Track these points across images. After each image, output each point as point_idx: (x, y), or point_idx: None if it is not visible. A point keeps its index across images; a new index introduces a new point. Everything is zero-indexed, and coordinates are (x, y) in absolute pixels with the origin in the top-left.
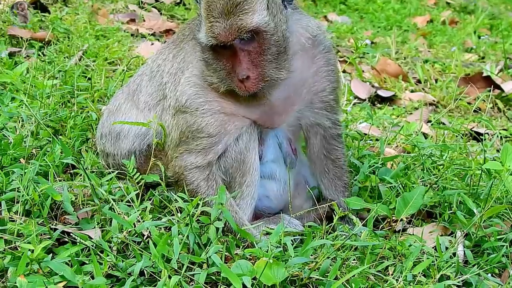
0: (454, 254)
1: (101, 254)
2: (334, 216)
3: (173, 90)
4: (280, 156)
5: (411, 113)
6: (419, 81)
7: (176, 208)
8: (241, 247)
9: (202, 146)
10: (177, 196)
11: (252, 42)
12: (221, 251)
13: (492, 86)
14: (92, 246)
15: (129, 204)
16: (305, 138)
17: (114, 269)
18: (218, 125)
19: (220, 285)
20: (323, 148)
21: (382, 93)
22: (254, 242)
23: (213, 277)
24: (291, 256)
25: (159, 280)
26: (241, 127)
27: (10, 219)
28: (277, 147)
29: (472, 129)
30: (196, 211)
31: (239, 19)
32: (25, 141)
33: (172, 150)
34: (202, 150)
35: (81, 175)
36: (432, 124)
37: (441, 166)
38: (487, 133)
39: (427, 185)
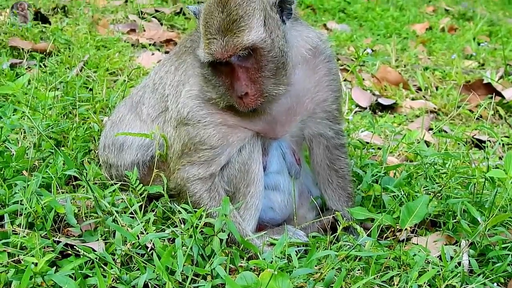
0: (459, 263)
1: (105, 267)
2: (338, 226)
3: (174, 102)
4: (284, 167)
5: (412, 121)
6: (419, 89)
7: (179, 220)
8: (245, 258)
9: (205, 158)
10: (180, 207)
11: (250, 58)
12: (225, 262)
13: (493, 93)
14: (96, 258)
15: (132, 216)
16: (308, 148)
17: (118, 281)
18: (221, 137)
19: None
20: (326, 158)
21: (383, 101)
22: (258, 253)
23: None
24: (295, 267)
25: None
26: (244, 138)
27: (13, 232)
28: (281, 157)
29: (474, 137)
30: (200, 222)
31: (236, 37)
32: (27, 153)
33: (174, 162)
34: (205, 162)
35: (84, 186)
36: (434, 132)
37: (444, 175)
38: (489, 141)
39: (430, 194)
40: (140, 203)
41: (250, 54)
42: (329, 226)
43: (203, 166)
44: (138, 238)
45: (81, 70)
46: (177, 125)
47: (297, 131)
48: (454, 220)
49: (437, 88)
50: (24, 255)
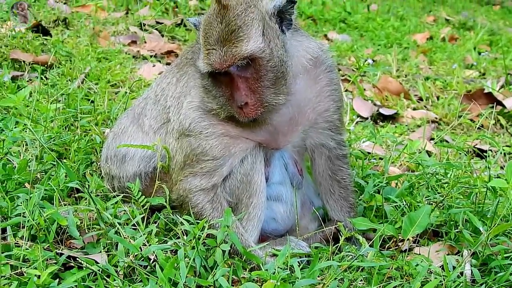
0: (462, 273)
1: (107, 279)
2: (340, 236)
3: (176, 113)
4: (287, 177)
5: (413, 131)
6: (420, 99)
7: (182, 231)
8: (247, 269)
9: (207, 169)
10: (183, 219)
11: (249, 68)
12: (228, 274)
13: (494, 102)
14: (99, 270)
15: (135, 227)
16: (310, 159)
17: None
18: (223, 148)
19: None
20: (328, 168)
21: (384, 111)
22: (261, 264)
23: None
24: (298, 278)
25: None
26: (246, 149)
27: (16, 244)
28: (283, 168)
29: (476, 146)
30: (202, 233)
31: (234, 47)
32: (29, 166)
33: (177, 174)
34: (207, 173)
35: (86, 199)
36: (435, 142)
37: (446, 184)
38: (491, 150)
39: (432, 204)
40: (142, 215)
41: (249, 64)
42: (331, 237)
43: (206, 177)
44: (141, 250)
45: (82, 82)
46: (179, 136)
47: (299, 142)
48: (456, 230)
49: (438, 98)
50: (27, 267)
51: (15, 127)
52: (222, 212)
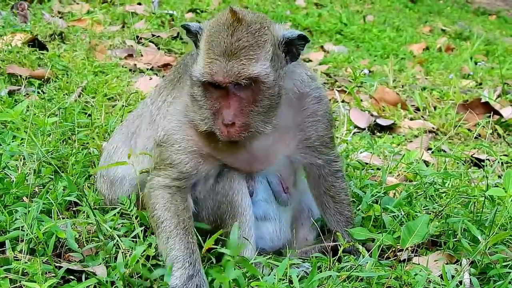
0: (461, 282)
1: None
2: (339, 247)
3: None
4: (271, 195)
5: (411, 141)
6: (417, 109)
7: None
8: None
9: (174, 176)
10: None
11: (247, 89)
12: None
13: (491, 112)
14: (105, 281)
15: (134, 240)
16: (306, 174)
17: None
18: (192, 166)
19: None
20: (321, 184)
21: (382, 121)
22: (260, 277)
23: None
24: None
25: None
26: (216, 170)
27: (15, 258)
28: (267, 186)
29: (473, 156)
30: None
31: (241, 64)
32: (27, 180)
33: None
34: (173, 178)
35: (84, 212)
36: (432, 152)
37: (444, 194)
38: (488, 159)
39: (430, 213)
40: (142, 227)
41: (250, 85)
42: (329, 248)
43: (171, 180)
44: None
45: (79, 96)
46: (156, 146)
47: (284, 163)
48: (455, 239)
49: (435, 108)
50: (26, 281)
51: (13, 141)
52: (174, 214)
